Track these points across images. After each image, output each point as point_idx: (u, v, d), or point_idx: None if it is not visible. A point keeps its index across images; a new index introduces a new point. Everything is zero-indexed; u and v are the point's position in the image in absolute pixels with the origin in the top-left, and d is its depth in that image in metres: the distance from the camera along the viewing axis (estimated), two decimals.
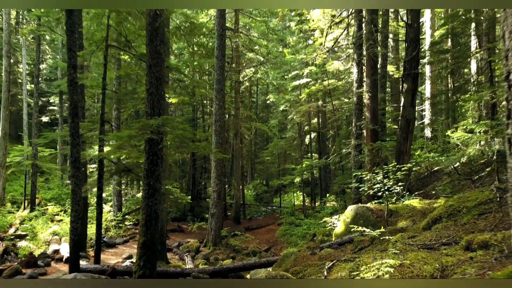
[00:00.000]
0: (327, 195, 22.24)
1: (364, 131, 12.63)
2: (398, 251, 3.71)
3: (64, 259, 10.00)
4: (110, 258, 10.93)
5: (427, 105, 20.42)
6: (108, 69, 15.02)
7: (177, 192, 9.45)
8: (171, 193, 8.88)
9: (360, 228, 5.25)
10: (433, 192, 7.97)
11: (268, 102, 31.43)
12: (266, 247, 14.16)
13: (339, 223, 8.21)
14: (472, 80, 18.09)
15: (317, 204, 23.02)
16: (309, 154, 24.23)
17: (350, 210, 7.79)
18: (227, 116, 24.88)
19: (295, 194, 26.12)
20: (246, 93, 28.56)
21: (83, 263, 9.67)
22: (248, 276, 8.21)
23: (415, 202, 7.60)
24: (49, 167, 18.88)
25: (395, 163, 7.70)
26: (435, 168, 15.23)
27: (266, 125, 27.30)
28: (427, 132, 20.93)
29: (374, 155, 7.33)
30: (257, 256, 12.64)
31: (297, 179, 20.62)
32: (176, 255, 11.95)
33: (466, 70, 22.26)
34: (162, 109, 6.28)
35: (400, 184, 8.19)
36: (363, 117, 12.79)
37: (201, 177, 23.80)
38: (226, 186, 27.36)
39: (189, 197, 24.91)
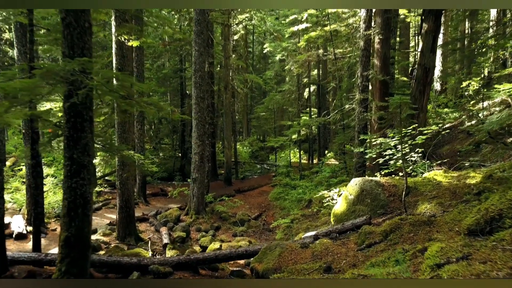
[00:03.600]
0: (326, 152, 20.64)
1: (371, 83, 10.64)
2: None
3: (14, 235, 8.52)
4: None
5: (438, 54, 18.17)
6: None
7: (142, 158, 7.69)
8: (132, 159, 7.12)
9: None
10: (467, 164, 6.22)
11: (265, 52, 28.82)
12: (257, 214, 12.77)
13: (339, 200, 6.54)
14: (492, 24, 15.77)
15: (315, 161, 21.51)
16: (308, 109, 22.25)
17: (354, 184, 6.08)
18: (218, 67, 22.53)
19: (291, 152, 24.53)
20: (241, 41, 25.90)
21: (26, 246, 8.25)
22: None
23: (438, 174, 5.85)
24: (19, 123, 16.95)
25: (416, 124, 5.85)
26: (447, 125, 13.46)
27: (260, 77, 24.98)
28: (437, 85, 18.98)
29: (392, 114, 5.47)
30: (245, 225, 11.25)
31: (294, 136, 18.84)
32: (152, 226, 10.50)
33: (479, 17, 19.74)
34: (87, 50, 4.31)
35: (417, 150, 6.44)
36: (371, 65, 10.73)
37: (190, 134, 22.02)
38: (220, 142, 25.66)
39: (180, 154, 23.58)
